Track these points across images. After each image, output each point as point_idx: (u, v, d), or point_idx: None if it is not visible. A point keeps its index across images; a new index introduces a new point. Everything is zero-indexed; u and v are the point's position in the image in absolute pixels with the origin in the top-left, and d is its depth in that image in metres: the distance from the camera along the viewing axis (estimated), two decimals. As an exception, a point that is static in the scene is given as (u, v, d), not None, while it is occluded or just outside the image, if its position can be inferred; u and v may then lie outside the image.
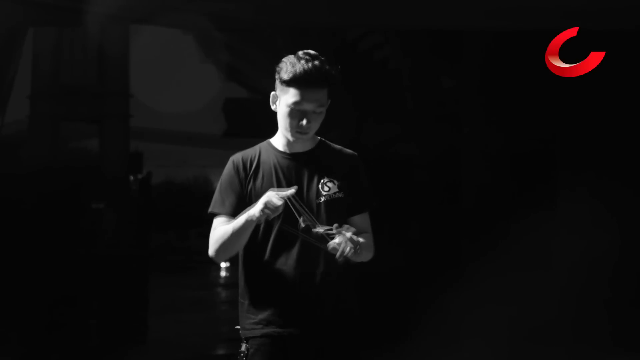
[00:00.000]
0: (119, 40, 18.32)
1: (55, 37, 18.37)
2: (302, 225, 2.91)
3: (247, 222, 2.95)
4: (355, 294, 3.10)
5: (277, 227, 3.00)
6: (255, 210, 2.93)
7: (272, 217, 2.92)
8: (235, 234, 2.98)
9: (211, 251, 3.06)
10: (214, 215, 3.08)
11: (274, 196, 2.89)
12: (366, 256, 3.05)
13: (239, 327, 3.10)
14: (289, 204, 2.90)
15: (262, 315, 3.02)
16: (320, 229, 2.90)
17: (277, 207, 2.89)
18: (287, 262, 3.01)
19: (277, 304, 3.01)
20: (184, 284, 15.47)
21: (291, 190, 2.91)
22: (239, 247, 3.03)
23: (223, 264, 19.89)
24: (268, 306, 3.02)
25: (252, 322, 3.05)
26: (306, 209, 2.93)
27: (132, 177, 19.53)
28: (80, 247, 15.33)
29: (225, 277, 16.99)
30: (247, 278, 3.08)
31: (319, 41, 11.01)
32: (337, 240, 2.88)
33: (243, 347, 3.06)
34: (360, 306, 3.11)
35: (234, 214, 3.04)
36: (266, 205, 2.89)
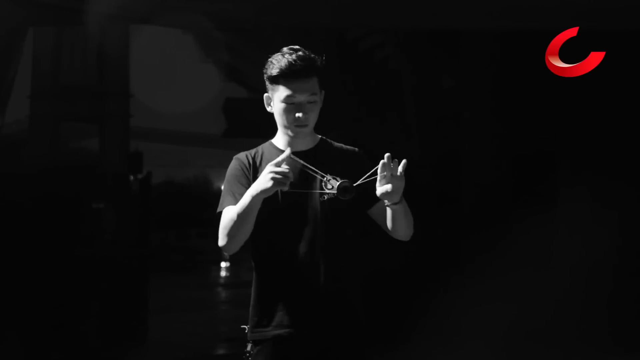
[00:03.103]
0: (119, 40, 18.28)
1: (55, 37, 18.35)
2: (332, 183, 2.94)
3: (253, 199, 2.90)
4: (361, 294, 3.09)
5: (287, 210, 2.98)
6: (260, 184, 2.88)
7: (285, 185, 2.86)
8: (242, 216, 2.92)
9: (220, 242, 2.99)
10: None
11: (274, 164, 2.86)
12: (408, 224, 3.08)
13: (244, 326, 3.09)
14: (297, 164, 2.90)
15: (266, 316, 3.02)
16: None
17: (286, 174, 2.85)
18: (290, 265, 3.00)
19: (280, 305, 3.00)
20: (184, 284, 15.48)
21: (287, 151, 2.90)
22: (247, 232, 2.96)
23: (223, 264, 19.88)
24: (271, 307, 3.01)
25: (255, 323, 3.04)
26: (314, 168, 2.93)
27: (132, 177, 19.52)
28: (80, 247, 15.31)
29: (225, 277, 17.01)
30: (256, 280, 3.08)
31: (319, 41, 11.00)
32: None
33: (249, 347, 3.06)
34: (363, 306, 3.11)
35: None
36: (274, 174, 2.83)
